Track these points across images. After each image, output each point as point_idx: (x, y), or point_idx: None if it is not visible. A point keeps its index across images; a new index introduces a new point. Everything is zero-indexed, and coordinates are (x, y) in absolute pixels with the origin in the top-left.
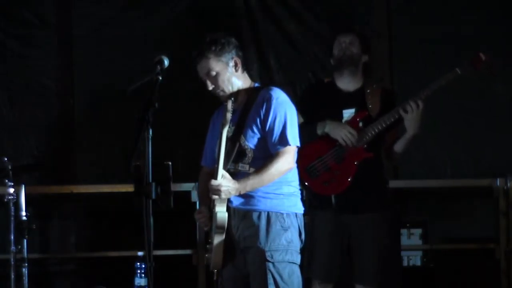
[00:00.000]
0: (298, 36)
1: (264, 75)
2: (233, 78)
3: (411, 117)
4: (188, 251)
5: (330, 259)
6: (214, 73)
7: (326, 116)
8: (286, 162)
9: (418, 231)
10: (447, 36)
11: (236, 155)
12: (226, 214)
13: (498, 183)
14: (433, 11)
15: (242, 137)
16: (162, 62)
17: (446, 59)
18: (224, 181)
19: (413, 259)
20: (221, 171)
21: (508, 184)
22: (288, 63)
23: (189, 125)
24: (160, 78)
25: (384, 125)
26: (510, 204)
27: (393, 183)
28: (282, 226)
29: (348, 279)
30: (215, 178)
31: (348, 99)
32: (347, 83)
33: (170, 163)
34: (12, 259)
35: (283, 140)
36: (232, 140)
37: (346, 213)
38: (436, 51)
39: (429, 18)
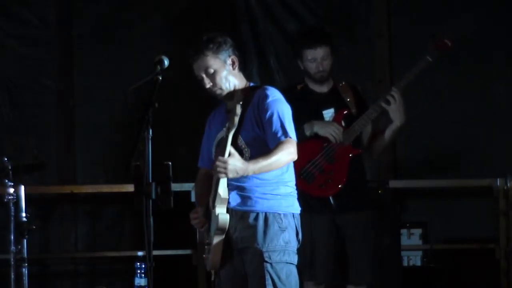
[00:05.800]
0: None
1: (264, 75)
2: (231, 76)
3: (394, 107)
4: (188, 251)
5: (326, 260)
6: (212, 70)
7: (306, 119)
8: (290, 152)
9: (418, 231)
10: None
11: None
12: (228, 216)
13: (498, 183)
14: (433, 11)
15: (240, 136)
16: (162, 62)
17: (446, 59)
18: (231, 159)
19: (413, 259)
20: (229, 148)
21: (508, 184)
22: (288, 63)
23: (189, 125)
24: (160, 78)
25: (369, 120)
26: (510, 204)
27: (393, 183)
28: (279, 227)
29: (339, 280)
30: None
31: (325, 99)
32: (320, 85)
33: (170, 163)
34: (12, 259)
35: (284, 132)
36: (226, 129)
37: (342, 213)
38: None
39: (429, 18)
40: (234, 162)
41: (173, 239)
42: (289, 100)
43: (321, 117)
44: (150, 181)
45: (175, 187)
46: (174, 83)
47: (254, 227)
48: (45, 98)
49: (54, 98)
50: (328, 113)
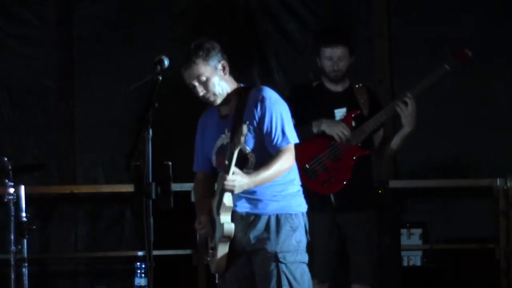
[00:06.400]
0: (298, 36)
1: (264, 75)
2: (223, 81)
3: (407, 113)
4: (188, 251)
5: (327, 259)
6: (204, 78)
7: (318, 117)
8: (288, 160)
9: (418, 231)
10: (447, 36)
11: (238, 161)
12: (233, 225)
13: (498, 183)
14: (433, 11)
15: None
16: (162, 62)
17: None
18: (237, 176)
19: (413, 259)
20: (233, 168)
21: (508, 184)
22: (288, 63)
23: (189, 125)
24: (160, 78)
25: (378, 123)
26: (510, 204)
27: (393, 183)
28: (291, 227)
29: (343, 279)
30: (226, 171)
31: (338, 98)
32: (336, 84)
33: (170, 163)
34: (12, 259)
35: (284, 139)
36: (232, 146)
37: (343, 212)
38: (436, 51)
39: (429, 18)
40: (240, 178)
41: (173, 239)
42: (302, 96)
43: (332, 116)
44: (150, 181)
45: (175, 187)
46: (174, 83)
47: (266, 229)
48: (45, 98)
49: (54, 98)
50: (340, 112)
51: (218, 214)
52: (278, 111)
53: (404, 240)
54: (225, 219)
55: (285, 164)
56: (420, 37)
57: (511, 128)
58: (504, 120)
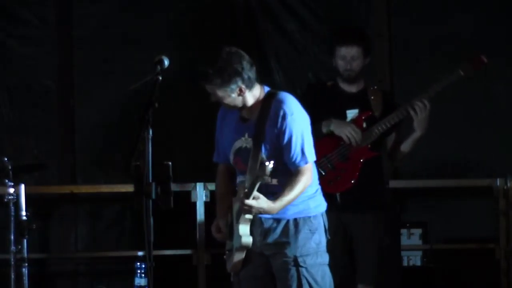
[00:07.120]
0: (298, 36)
1: (264, 75)
2: (238, 99)
3: (421, 117)
4: (188, 251)
5: (332, 259)
6: (218, 96)
7: (330, 116)
8: (308, 179)
9: (418, 231)
10: (447, 36)
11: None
12: (251, 238)
13: (498, 183)
14: (433, 11)
15: (261, 152)
16: (162, 62)
17: (446, 59)
18: (258, 202)
19: (413, 259)
20: (254, 193)
21: (508, 184)
22: (288, 63)
23: (189, 125)
24: (160, 78)
25: (389, 125)
26: (510, 204)
27: (393, 183)
28: (310, 230)
29: (349, 280)
30: (245, 196)
31: (351, 99)
32: (350, 85)
33: (170, 163)
34: (12, 259)
35: (303, 158)
36: (254, 154)
37: (348, 212)
38: (436, 51)
39: (429, 18)
40: (261, 205)
41: (173, 239)
42: (316, 95)
43: (344, 116)
44: (150, 181)
45: (175, 187)
46: (174, 83)
47: (285, 233)
48: (45, 98)
49: (54, 98)
50: (352, 113)
51: (238, 222)
52: (299, 129)
53: (404, 240)
54: (243, 231)
55: (306, 184)
56: (420, 37)
57: (511, 128)
58: (504, 120)
